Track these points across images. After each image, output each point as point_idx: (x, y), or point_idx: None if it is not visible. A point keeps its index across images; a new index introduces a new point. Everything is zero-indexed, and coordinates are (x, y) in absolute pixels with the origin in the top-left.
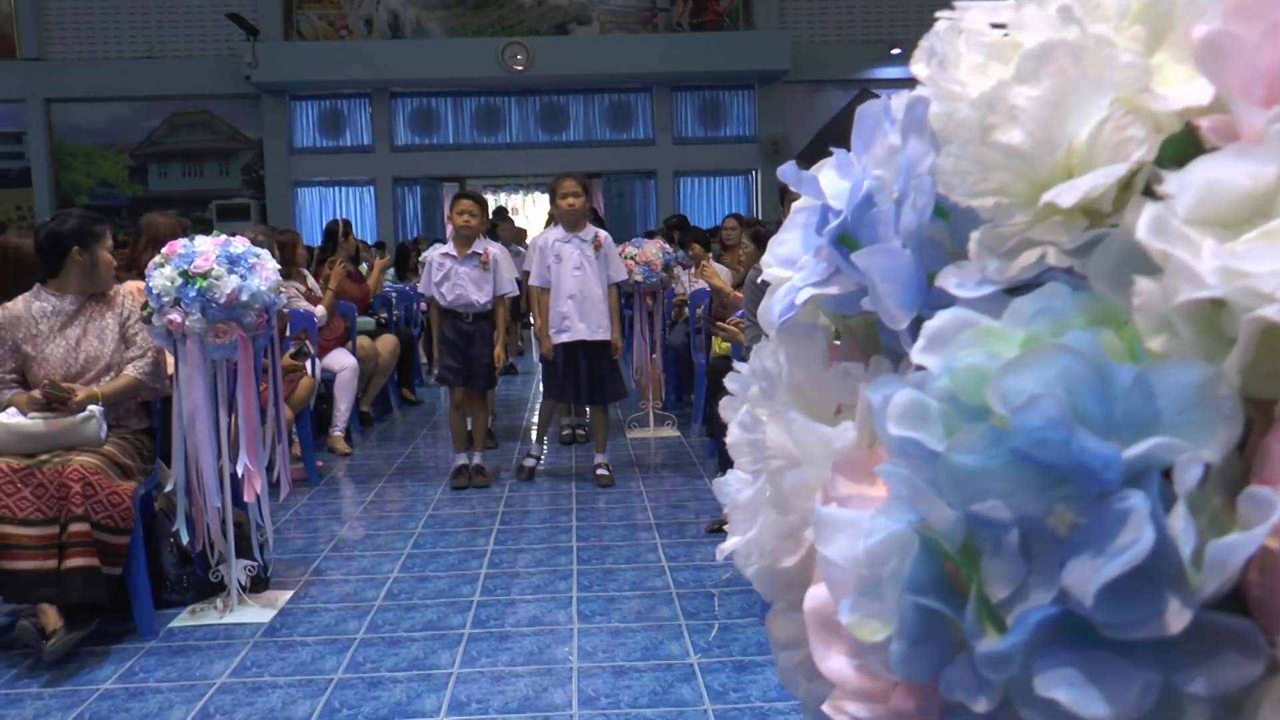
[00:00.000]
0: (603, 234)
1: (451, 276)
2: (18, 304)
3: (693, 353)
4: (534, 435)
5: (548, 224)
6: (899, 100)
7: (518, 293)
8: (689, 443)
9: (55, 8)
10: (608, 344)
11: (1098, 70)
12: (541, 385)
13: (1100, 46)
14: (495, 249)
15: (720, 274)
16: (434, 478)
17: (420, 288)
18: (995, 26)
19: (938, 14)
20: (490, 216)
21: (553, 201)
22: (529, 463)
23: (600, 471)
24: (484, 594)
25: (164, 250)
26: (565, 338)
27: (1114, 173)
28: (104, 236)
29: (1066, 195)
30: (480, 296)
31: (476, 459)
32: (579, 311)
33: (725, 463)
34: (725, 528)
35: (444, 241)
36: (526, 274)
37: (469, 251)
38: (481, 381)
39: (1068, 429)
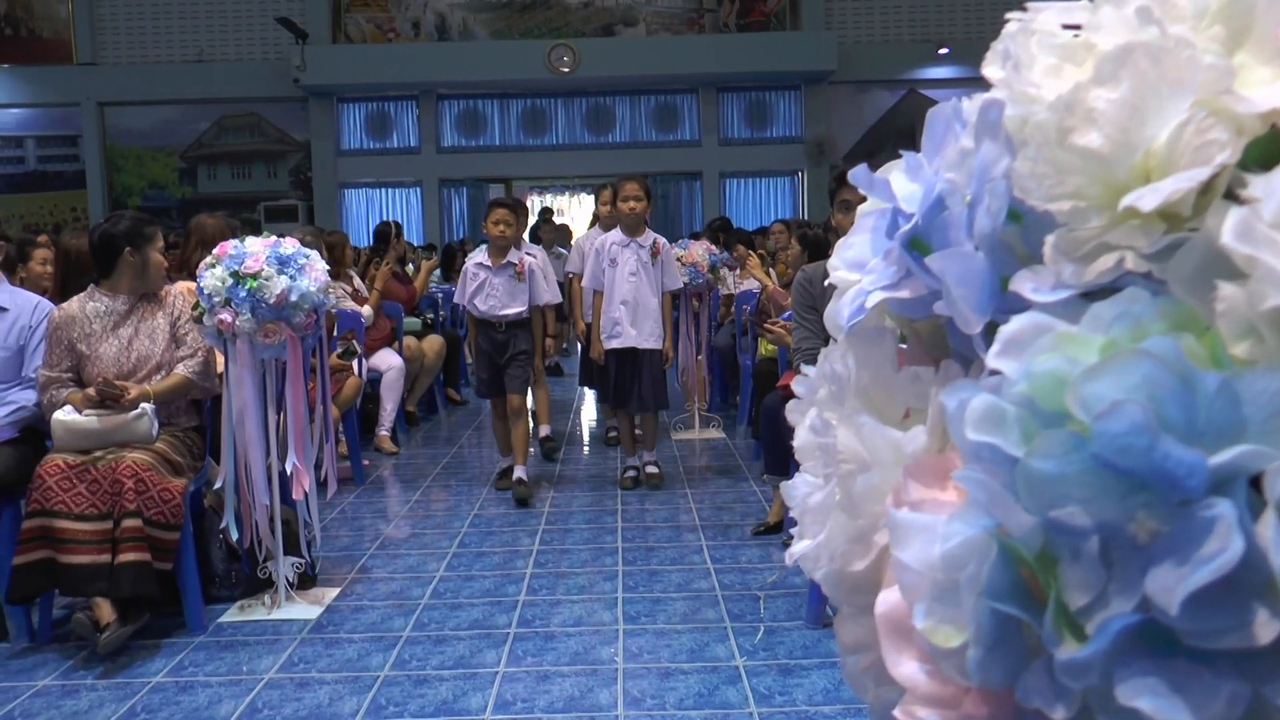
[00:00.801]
0: (662, 240)
1: (485, 287)
2: (73, 304)
3: (738, 354)
4: (621, 447)
5: (591, 225)
6: (971, 103)
7: (559, 301)
8: (734, 444)
9: (109, 14)
10: (658, 352)
11: (1178, 72)
12: (579, 385)
13: (1180, 48)
14: (531, 258)
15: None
16: (479, 477)
17: (455, 298)
18: (1067, 28)
19: (1008, 15)
20: (538, 217)
21: (612, 204)
22: (630, 473)
23: (650, 470)
24: (529, 594)
25: (215, 251)
26: (616, 344)
27: (1196, 176)
28: (155, 238)
29: (1148, 199)
30: (514, 307)
31: (519, 472)
32: (631, 318)
33: (770, 465)
34: (793, 531)
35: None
36: (569, 275)
37: (503, 261)
38: (515, 383)
39: (1151, 436)
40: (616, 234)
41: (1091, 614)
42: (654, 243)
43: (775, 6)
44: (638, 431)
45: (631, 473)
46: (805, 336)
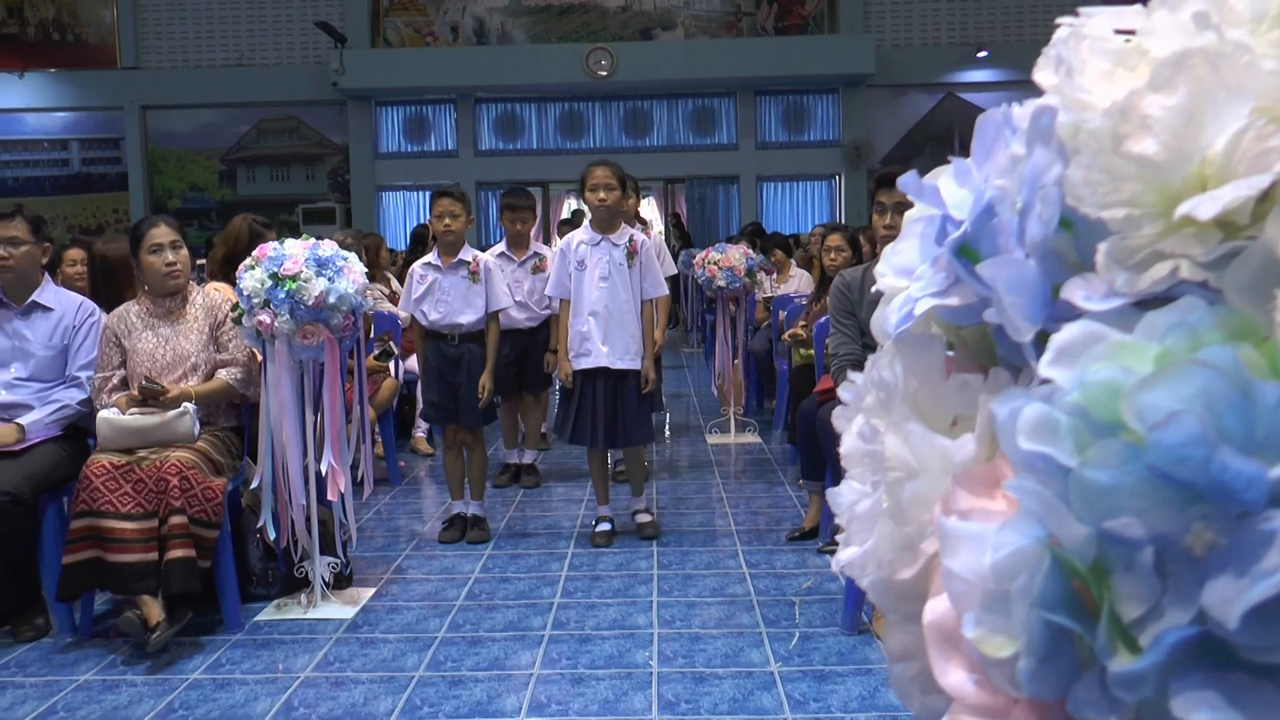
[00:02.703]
0: (639, 237)
1: (434, 291)
2: (120, 308)
3: (775, 359)
4: (596, 495)
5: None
6: (1021, 109)
7: (505, 306)
8: (770, 449)
9: (152, 19)
10: (636, 374)
11: (1237, 78)
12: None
13: (1239, 53)
14: (486, 256)
15: (803, 278)
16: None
17: (399, 306)
18: (1120, 33)
19: (1059, 20)
20: (569, 219)
21: (580, 194)
22: (603, 527)
23: (641, 519)
24: (564, 596)
25: (255, 253)
26: (584, 363)
27: (1257, 184)
28: (143, 239)
29: (1205, 207)
30: (470, 315)
31: (474, 508)
32: (602, 332)
33: (806, 470)
34: (837, 538)
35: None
36: None
37: (455, 260)
38: (470, 416)
39: (1209, 447)
40: (585, 231)
41: (1146, 626)
42: (630, 240)
43: (813, 10)
44: (619, 469)
45: (605, 525)
46: (842, 342)
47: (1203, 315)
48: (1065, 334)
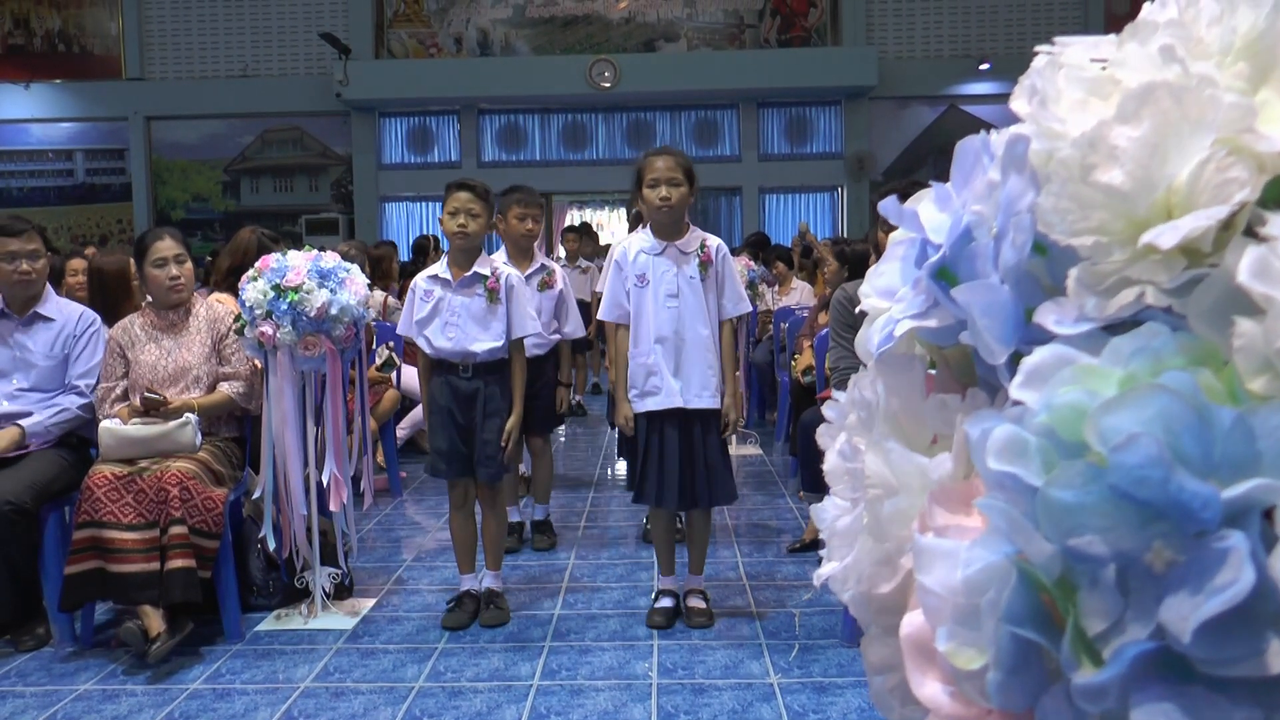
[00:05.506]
0: (714, 242)
1: (442, 312)
2: (124, 320)
3: (776, 371)
4: (657, 564)
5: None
6: (999, 136)
7: (580, 335)
8: (771, 461)
9: (157, 30)
10: (715, 415)
11: (1199, 111)
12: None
13: (1202, 86)
14: (509, 270)
15: (805, 290)
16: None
17: (399, 328)
18: (1095, 61)
19: (1037, 49)
20: (579, 233)
21: (637, 189)
22: (664, 604)
23: (694, 603)
24: (564, 607)
25: (257, 265)
26: (652, 404)
27: (1215, 214)
28: (147, 252)
29: (1167, 236)
30: (487, 340)
31: (489, 580)
32: (673, 363)
33: (807, 482)
34: (821, 553)
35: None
36: (596, 295)
37: (468, 274)
38: (488, 467)
39: (1166, 468)
40: (644, 236)
41: (1108, 640)
42: (702, 246)
43: (816, 22)
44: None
45: (667, 601)
46: (843, 355)
47: (1165, 340)
48: (1035, 357)
